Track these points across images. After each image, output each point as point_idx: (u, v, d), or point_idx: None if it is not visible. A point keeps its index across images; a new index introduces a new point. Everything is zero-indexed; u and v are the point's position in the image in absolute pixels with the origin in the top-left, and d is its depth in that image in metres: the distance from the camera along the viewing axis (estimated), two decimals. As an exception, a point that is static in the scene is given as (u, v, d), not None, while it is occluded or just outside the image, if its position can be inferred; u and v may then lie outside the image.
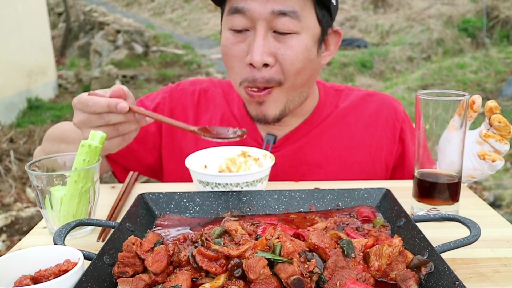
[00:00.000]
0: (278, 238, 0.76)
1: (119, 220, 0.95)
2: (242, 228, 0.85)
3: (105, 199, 1.13)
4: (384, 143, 1.39)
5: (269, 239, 0.78)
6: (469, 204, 1.11)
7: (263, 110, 1.25)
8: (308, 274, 0.71)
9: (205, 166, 1.23)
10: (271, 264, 0.72)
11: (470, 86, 8.28)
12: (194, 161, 1.19)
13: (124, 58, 9.65)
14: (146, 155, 1.44)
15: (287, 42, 1.17)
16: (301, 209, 1.03)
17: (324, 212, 1.01)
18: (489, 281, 0.79)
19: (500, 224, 1.02)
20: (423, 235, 0.81)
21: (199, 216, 1.01)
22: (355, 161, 1.37)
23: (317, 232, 0.78)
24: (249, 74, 1.20)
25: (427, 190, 1.03)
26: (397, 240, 0.76)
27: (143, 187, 1.26)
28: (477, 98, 1.08)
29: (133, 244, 0.76)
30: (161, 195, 1.03)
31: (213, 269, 0.73)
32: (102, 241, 0.96)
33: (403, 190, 1.10)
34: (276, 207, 1.03)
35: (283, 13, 1.14)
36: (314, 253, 0.75)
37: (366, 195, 1.04)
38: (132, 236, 0.78)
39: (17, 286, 0.72)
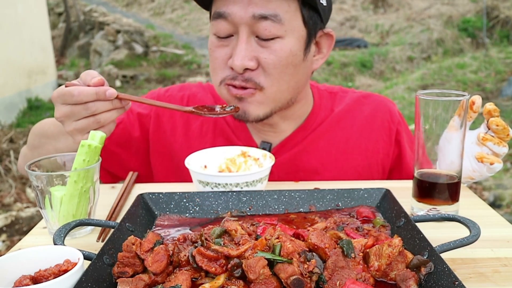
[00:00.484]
0: (278, 238, 0.76)
1: (119, 220, 0.95)
2: (242, 228, 0.85)
3: (105, 199, 1.13)
4: (381, 146, 1.38)
5: (269, 239, 0.78)
6: (469, 204, 1.11)
7: (244, 107, 1.21)
8: (308, 274, 0.71)
9: (205, 166, 1.23)
10: (271, 264, 0.72)
11: (470, 86, 8.28)
12: (194, 161, 1.19)
13: (124, 58, 9.65)
14: (130, 159, 1.41)
15: (270, 46, 1.15)
16: (301, 209, 1.03)
17: (324, 212, 1.01)
18: (489, 281, 0.79)
19: (500, 224, 1.02)
20: (423, 235, 0.81)
21: (199, 216, 1.01)
22: (351, 165, 1.36)
23: (317, 232, 0.78)
24: (230, 73, 1.18)
25: (427, 190, 1.03)
26: (397, 240, 0.76)
27: (143, 187, 1.26)
28: (477, 99, 1.07)
29: (133, 244, 0.76)
30: (161, 195, 1.03)
31: (213, 269, 0.73)
32: (102, 241, 0.96)
33: (403, 190, 1.10)
34: (276, 207, 1.03)
35: (264, 17, 1.12)
36: (314, 253, 0.75)
37: (366, 195, 1.04)
38: (132, 236, 0.78)
39: (17, 286, 0.72)
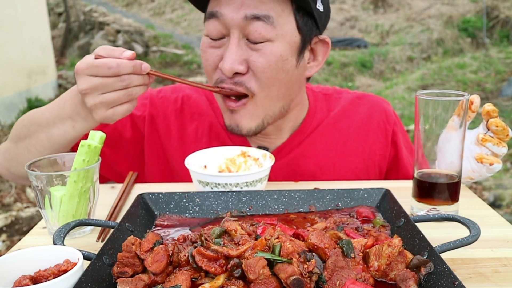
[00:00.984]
0: (277, 238, 0.76)
1: (118, 220, 0.95)
2: (242, 228, 0.85)
3: (105, 199, 1.13)
4: (377, 148, 1.38)
5: (268, 239, 0.78)
6: (469, 204, 1.11)
7: (236, 120, 1.21)
8: (307, 274, 0.71)
9: (205, 166, 1.22)
10: (271, 264, 0.72)
11: (470, 86, 8.28)
12: (194, 161, 1.19)
13: (124, 58, 9.64)
14: (118, 161, 1.38)
15: (260, 49, 1.13)
16: (301, 209, 1.03)
17: (323, 212, 1.01)
18: (488, 281, 0.79)
19: (500, 224, 1.02)
20: (423, 235, 0.81)
21: (198, 216, 1.01)
22: (349, 168, 1.35)
23: (316, 232, 0.78)
24: (221, 76, 1.18)
25: (427, 190, 1.03)
26: (396, 240, 0.76)
27: (142, 187, 1.26)
28: (476, 98, 1.07)
29: (133, 244, 0.76)
30: (160, 195, 1.03)
31: (213, 269, 0.73)
32: (102, 241, 0.96)
33: (403, 190, 1.10)
34: (276, 207, 1.03)
35: (256, 17, 1.11)
36: (313, 253, 0.74)
37: (365, 195, 1.04)
38: (132, 236, 0.78)
39: (16, 286, 0.72)
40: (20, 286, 0.71)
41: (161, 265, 0.73)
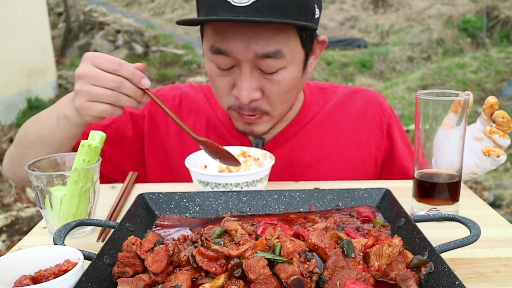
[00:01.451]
0: (278, 238, 0.76)
1: (119, 220, 0.95)
2: (242, 228, 0.85)
3: (105, 199, 1.13)
4: (373, 139, 1.39)
5: (269, 239, 0.78)
6: (469, 204, 1.11)
7: (252, 128, 1.26)
8: (308, 274, 0.71)
9: (205, 166, 1.23)
10: (271, 264, 0.72)
11: (470, 86, 8.27)
12: (194, 161, 1.19)
13: (124, 58, 9.58)
14: (121, 159, 1.41)
15: (273, 78, 1.15)
16: (301, 209, 1.03)
17: (324, 212, 1.01)
18: (489, 281, 0.79)
19: (500, 224, 1.02)
20: (423, 235, 0.81)
21: (199, 216, 1.01)
22: (345, 158, 1.37)
23: (317, 232, 0.78)
24: (236, 102, 1.20)
25: (427, 190, 1.03)
26: (397, 240, 0.76)
27: (143, 187, 1.26)
28: (469, 95, 1.08)
29: (133, 244, 0.76)
30: (161, 195, 1.03)
31: (213, 269, 0.73)
32: (102, 241, 0.96)
33: (403, 190, 1.10)
34: (276, 207, 1.03)
35: (267, 56, 1.10)
36: (314, 253, 0.75)
37: (366, 195, 1.04)
38: (132, 236, 0.78)
39: (17, 286, 0.72)
40: (20, 286, 0.71)
41: (162, 265, 0.73)
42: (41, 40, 8.07)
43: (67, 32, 10.75)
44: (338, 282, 0.71)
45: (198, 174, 1.10)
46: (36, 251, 0.76)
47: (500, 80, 8.39)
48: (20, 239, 0.99)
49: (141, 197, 1.01)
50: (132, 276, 0.75)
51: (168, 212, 1.01)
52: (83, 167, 0.96)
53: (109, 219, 1.05)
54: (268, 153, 1.21)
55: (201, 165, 1.21)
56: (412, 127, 6.11)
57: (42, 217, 1.02)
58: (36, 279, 0.73)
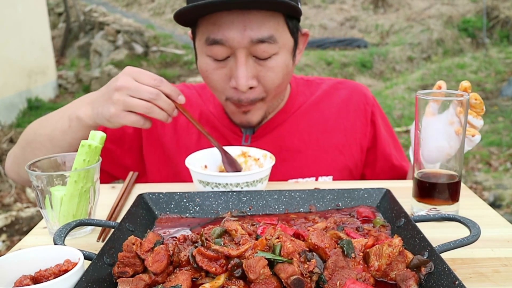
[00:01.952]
0: (278, 238, 0.76)
1: (119, 220, 0.95)
2: (242, 228, 0.85)
3: (105, 199, 1.13)
4: (358, 126, 1.44)
5: (269, 239, 0.78)
6: (469, 204, 1.11)
7: (248, 118, 1.30)
8: (308, 274, 0.71)
9: (205, 166, 1.23)
10: (271, 264, 0.72)
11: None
12: (194, 161, 1.19)
13: (124, 58, 9.64)
14: (123, 156, 1.44)
15: (267, 64, 1.20)
16: (301, 209, 1.03)
17: (324, 212, 1.01)
18: (489, 281, 0.79)
19: (500, 224, 1.02)
20: (423, 235, 0.81)
21: (199, 216, 1.01)
22: (332, 143, 1.42)
23: (317, 232, 0.78)
24: (234, 95, 1.24)
25: (427, 190, 1.03)
26: (397, 240, 0.76)
27: (143, 187, 1.26)
28: (442, 84, 1.13)
29: (133, 244, 0.76)
30: (161, 195, 1.03)
31: (213, 269, 0.73)
32: (102, 241, 0.96)
33: (403, 190, 1.10)
34: (276, 207, 1.03)
35: (261, 41, 1.16)
36: (314, 253, 0.75)
37: (366, 195, 1.04)
38: (132, 236, 0.78)
39: (17, 286, 0.72)
40: (20, 286, 0.71)
41: (162, 265, 0.74)
42: (41, 40, 8.08)
43: (67, 32, 10.75)
44: (338, 282, 0.71)
45: (198, 174, 1.10)
46: (36, 251, 0.76)
47: (500, 80, 8.39)
48: (20, 239, 0.99)
49: (141, 197, 1.01)
50: (132, 276, 0.75)
51: (168, 212, 1.01)
52: (83, 167, 0.96)
53: (109, 219, 1.05)
54: (268, 153, 1.21)
55: (201, 165, 1.22)
56: (412, 127, 6.10)
57: (42, 217, 1.02)
58: (36, 279, 0.73)
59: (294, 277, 0.69)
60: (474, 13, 10.92)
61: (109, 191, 1.24)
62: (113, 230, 0.87)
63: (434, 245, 0.77)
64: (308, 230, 0.85)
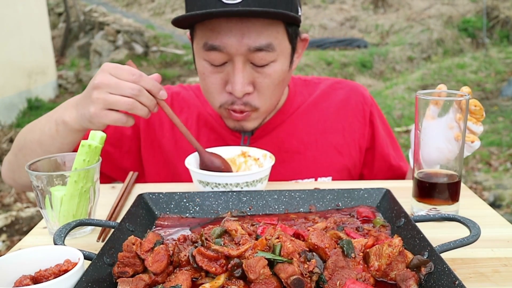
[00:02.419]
0: (278, 238, 0.76)
1: (119, 220, 0.95)
2: (242, 228, 0.85)
3: (105, 199, 1.13)
4: (356, 126, 1.44)
5: (269, 239, 0.78)
6: (469, 204, 1.11)
7: (241, 124, 1.30)
8: (308, 274, 0.71)
9: (205, 166, 1.22)
10: (271, 264, 0.72)
11: (470, 86, 8.19)
12: (195, 161, 1.19)
13: (124, 58, 9.65)
14: (122, 158, 1.43)
15: (264, 71, 1.20)
16: (301, 209, 1.03)
17: (324, 212, 1.01)
18: (489, 281, 0.79)
19: (500, 224, 1.02)
20: (423, 235, 0.81)
21: (199, 216, 1.01)
22: (331, 144, 1.42)
23: (317, 232, 0.78)
24: (228, 99, 1.23)
25: (427, 190, 1.03)
26: (397, 240, 0.76)
27: (143, 187, 1.26)
28: (443, 87, 1.12)
29: (133, 244, 0.76)
30: (161, 195, 1.03)
31: (213, 269, 0.73)
32: (102, 241, 0.96)
33: (403, 190, 1.10)
34: (276, 207, 1.03)
35: (259, 49, 1.15)
36: (314, 253, 0.75)
37: (366, 195, 1.04)
38: (132, 236, 0.78)
39: (17, 286, 0.72)
40: (20, 286, 0.71)
41: (162, 265, 0.74)
42: (41, 40, 8.08)
43: (67, 32, 10.75)
44: (338, 282, 0.71)
45: (198, 174, 1.10)
46: (36, 251, 0.76)
47: (500, 80, 8.39)
48: (20, 239, 0.99)
49: (141, 197, 1.01)
50: (132, 276, 0.75)
51: (168, 212, 1.01)
52: (83, 167, 0.96)
53: (109, 219, 1.05)
54: (268, 153, 1.21)
55: (201, 165, 1.22)
56: (412, 127, 6.10)
57: (42, 217, 1.02)
58: (36, 279, 0.73)
59: (294, 277, 0.69)
60: (474, 13, 10.92)
61: (109, 191, 1.24)
62: (113, 230, 0.87)
63: (434, 245, 0.77)
64: (308, 230, 0.85)
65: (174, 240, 0.86)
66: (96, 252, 0.77)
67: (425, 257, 0.75)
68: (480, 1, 10.95)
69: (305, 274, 0.71)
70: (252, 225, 0.91)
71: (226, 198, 1.03)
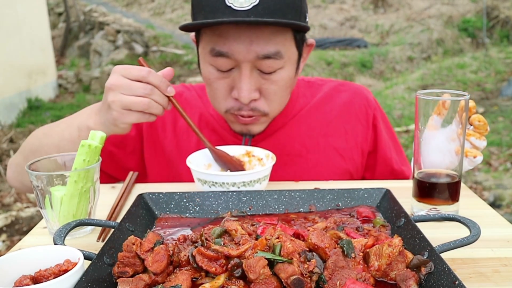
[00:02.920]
0: (278, 238, 0.76)
1: (119, 220, 0.95)
2: (242, 228, 0.85)
3: (105, 199, 1.13)
4: (359, 130, 1.43)
5: (269, 239, 0.78)
6: (469, 204, 1.11)
7: (248, 128, 1.30)
8: (308, 274, 0.71)
9: (209, 165, 1.23)
10: (271, 264, 0.72)
11: (470, 86, 8.28)
12: (199, 160, 1.20)
13: (124, 58, 9.65)
14: (126, 159, 1.44)
15: (272, 78, 1.20)
16: (301, 209, 1.03)
17: (324, 212, 1.01)
18: (489, 281, 0.79)
19: (500, 224, 1.02)
20: (423, 235, 0.81)
21: (199, 216, 1.01)
22: (333, 147, 1.40)
23: (317, 232, 0.78)
24: (235, 105, 1.23)
25: (427, 190, 1.03)
26: (397, 240, 0.76)
27: (143, 187, 1.26)
28: (447, 96, 1.11)
29: (133, 244, 0.76)
30: (161, 195, 1.03)
31: (213, 269, 0.73)
32: (102, 241, 0.96)
33: (403, 190, 1.10)
34: (276, 207, 1.03)
35: (267, 57, 1.15)
36: (314, 253, 0.75)
37: (366, 195, 1.04)
38: (132, 236, 0.78)
39: (17, 286, 0.72)
40: (20, 286, 0.71)
41: (162, 265, 0.74)
42: (41, 40, 8.08)
43: (67, 32, 10.75)
44: (338, 282, 0.71)
45: (196, 172, 1.11)
46: (36, 251, 0.76)
47: (500, 80, 8.39)
48: (20, 239, 0.99)
49: (141, 197, 1.01)
50: (132, 276, 0.75)
51: (168, 212, 1.01)
52: (83, 167, 0.96)
53: (109, 219, 1.05)
54: (270, 154, 1.21)
55: (205, 163, 1.22)
56: (412, 127, 6.10)
57: (42, 217, 1.02)
58: (36, 279, 0.73)
59: (294, 277, 0.69)
60: (474, 13, 10.92)
61: (109, 191, 1.24)
62: (113, 230, 0.87)
63: (434, 245, 0.77)
64: (308, 230, 0.85)
65: (174, 240, 0.86)
66: (96, 252, 0.77)
67: (425, 257, 0.75)
68: (480, 1, 10.95)
69: (305, 274, 0.71)
70: (252, 225, 0.91)
71: (226, 198, 1.03)
